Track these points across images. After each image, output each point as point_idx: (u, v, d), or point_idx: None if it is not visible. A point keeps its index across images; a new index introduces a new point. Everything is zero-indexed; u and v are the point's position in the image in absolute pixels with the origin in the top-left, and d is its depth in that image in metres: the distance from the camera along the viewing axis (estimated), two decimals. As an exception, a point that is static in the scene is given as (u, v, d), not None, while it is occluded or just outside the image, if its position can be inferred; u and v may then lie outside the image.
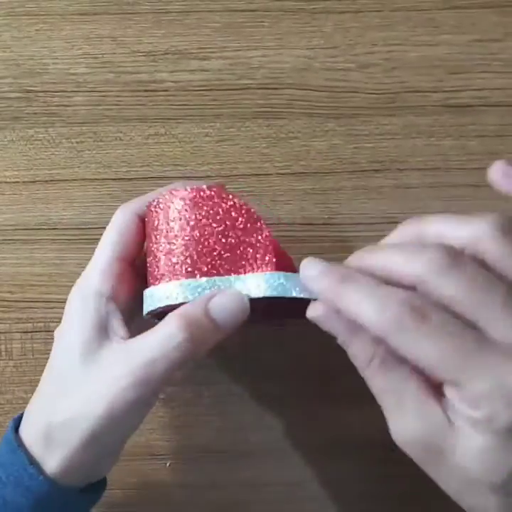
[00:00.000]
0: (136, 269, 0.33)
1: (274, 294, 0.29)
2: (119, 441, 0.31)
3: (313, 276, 0.26)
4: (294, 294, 0.28)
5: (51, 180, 0.42)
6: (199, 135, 0.42)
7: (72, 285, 0.38)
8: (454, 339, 0.23)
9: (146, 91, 0.42)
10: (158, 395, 0.31)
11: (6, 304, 0.41)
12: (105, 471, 0.33)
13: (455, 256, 0.24)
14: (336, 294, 0.25)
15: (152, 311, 0.30)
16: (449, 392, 0.23)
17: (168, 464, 0.41)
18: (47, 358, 0.41)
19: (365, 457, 0.41)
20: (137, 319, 0.33)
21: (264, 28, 0.42)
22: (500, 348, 0.22)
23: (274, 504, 0.41)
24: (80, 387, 0.29)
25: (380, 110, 0.42)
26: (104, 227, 0.39)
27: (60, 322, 0.42)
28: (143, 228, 0.32)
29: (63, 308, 0.41)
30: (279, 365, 0.41)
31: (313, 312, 0.27)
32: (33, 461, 0.29)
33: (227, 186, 0.42)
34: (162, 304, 0.30)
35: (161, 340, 0.28)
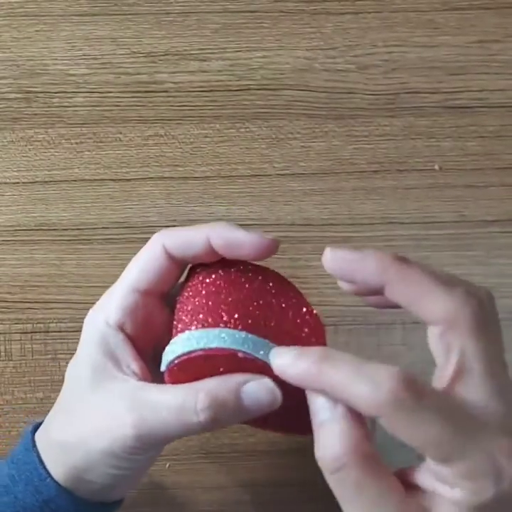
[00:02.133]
0: (162, 303, 0.31)
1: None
2: (121, 475, 0.29)
3: (287, 363, 0.24)
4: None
5: (51, 181, 0.42)
6: (198, 136, 0.42)
7: (72, 286, 0.38)
8: (452, 416, 0.22)
9: (145, 92, 0.42)
10: (161, 450, 0.30)
11: (5, 304, 0.41)
12: (116, 497, 0.31)
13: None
14: (317, 376, 0.23)
15: (170, 362, 0.27)
16: (435, 469, 0.23)
17: (167, 465, 0.41)
18: (46, 359, 0.41)
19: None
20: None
21: (264, 29, 0.42)
22: (490, 423, 0.22)
23: (274, 505, 0.41)
24: (88, 415, 0.28)
25: (380, 111, 0.42)
26: (104, 228, 0.39)
27: (59, 323, 0.42)
28: (170, 263, 0.30)
29: (63, 308, 0.42)
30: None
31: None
32: (43, 463, 0.29)
33: (227, 187, 0.42)
34: (180, 351, 0.26)
35: (180, 409, 0.26)
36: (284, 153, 0.42)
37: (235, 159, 0.42)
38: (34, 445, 0.30)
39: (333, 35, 0.42)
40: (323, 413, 0.24)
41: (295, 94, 0.42)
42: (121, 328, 0.29)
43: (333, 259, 0.25)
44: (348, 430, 0.23)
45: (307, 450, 0.41)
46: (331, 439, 0.24)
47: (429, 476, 0.23)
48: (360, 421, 0.24)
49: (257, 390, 0.26)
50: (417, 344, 0.41)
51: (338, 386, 0.23)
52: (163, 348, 0.27)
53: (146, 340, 0.30)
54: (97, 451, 0.27)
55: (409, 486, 0.24)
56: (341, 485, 0.24)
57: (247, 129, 0.42)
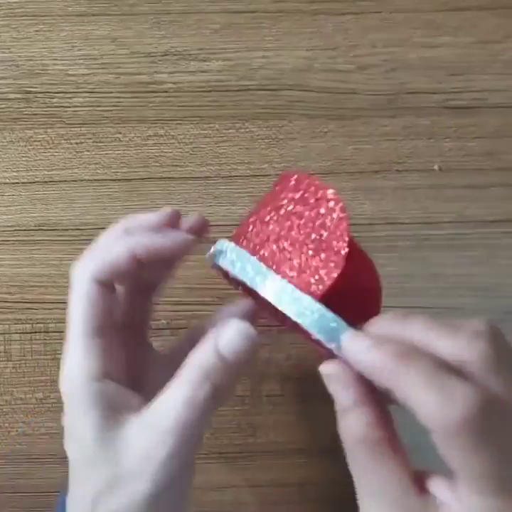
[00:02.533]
0: (119, 331, 0.29)
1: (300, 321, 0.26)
2: None
3: (361, 350, 0.24)
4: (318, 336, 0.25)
5: (50, 181, 0.42)
6: (198, 136, 0.42)
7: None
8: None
9: (145, 92, 0.42)
10: (196, 453, 0.28)
11: (5, 304, 0.41)
12: None
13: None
14: (391, 373, 0.22)
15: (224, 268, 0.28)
16: (462, 492, 0.22)
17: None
18: (46, 359, 0.41)
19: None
20: (147, 378, 0.30)
21: (264, 29, 0.42)
22: None
23: (274, 505, 0.41)
24: (107, 470, 0.26)
25: (380, 111, 0.42)
26: (104, 228, 0.39)
27: (58, 323, 0.42)
28: (106, 292, 0.28)
29: (62, 309, 0.41)
30: (279, 365, 0.41)
31: (328, 369, 0.25)
32: None
33: (226, 187, 0.42)
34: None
35: (186, 398, 0.26)
36: (284, 154, 0.42)
37: (235, 159, 0.42)
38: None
39: (334, 36, 0.42)
40: (338, 399, 0.25)
41: (295, 94, 0.42)
42: (103, 375, 0.27)
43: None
44: (360, 418, 0.24)
45: (307, 450, 0.41)
46: (343, 423, 0.24)
47: (446, 490, 0.23)
48: (376, 405, 0.24)
49: (231, 341, 0.26)
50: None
51: (408, 390, 0.22)
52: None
53: (122, 370, 0.28)
54: (144, 494, 0.26)
55: (421, 486, 0.23)
56: (351, 462, 0.24)
57: (247, 129, 0.42)
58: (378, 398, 0.24)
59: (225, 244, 0.29)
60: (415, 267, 0.42)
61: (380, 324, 0.25)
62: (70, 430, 0.28)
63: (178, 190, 0.42)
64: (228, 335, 0.26)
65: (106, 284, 0.28)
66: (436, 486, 0.23)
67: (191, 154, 0.42)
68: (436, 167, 0.42)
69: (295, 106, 0.42)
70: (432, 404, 0.21)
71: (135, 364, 0.30)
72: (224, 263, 0.28)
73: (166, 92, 0.42)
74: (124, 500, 0.26)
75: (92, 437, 0.26)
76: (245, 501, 0.41)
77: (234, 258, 0.28)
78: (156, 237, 0.28)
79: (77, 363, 0.27)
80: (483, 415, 0.21)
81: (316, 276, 0.26)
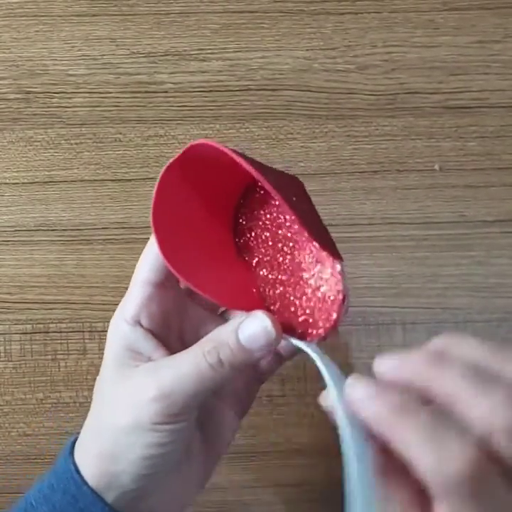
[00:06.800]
0: (177, 292, 0.32)
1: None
2: (151, 470, 0.29)
3: (361, 398, 0.23)
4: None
5: (50, 182, 0.42)
6: (198, 136, 0.42)
7: (72, 286, 0.39)
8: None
9: (145, 92, 0.42)
10: (189, 421, 0.29)
11: (5, 305, 0.41)
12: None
13: None
14: (389, 426, 0.22)
15: None
16: None
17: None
18: (46, 360, 0.41)
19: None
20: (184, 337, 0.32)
21: (264, 29, 0.42)
22: None
23: (274, 505, 0.41)
24: (110, 402, 0.30)
25: (380, 111, 0.42)
26: (104, 228, 0.39)
27: (58, 323, 0.42)
28: None
29: (62, 309, 0.42)
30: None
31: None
32: (79, 471, 0.29)
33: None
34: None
35: (191, 359, 0.28)
36: (284, 154, 0.42)
37: (235, 159, 0.42)
38: (71, 453, 0.30)
39: (333, 36, 0.42)
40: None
41: (295, 94, 0.42)
42: (138, 322, 0.30)
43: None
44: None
45: (307, 450, 0.41)
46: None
47: None
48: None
49: (251, 326, 0.28)
50: (417, 344, 0.41)
51: (405, 444, 0.22)
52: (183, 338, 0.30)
53: (165, 330, 0.31)
54: (124, 427, 0.28)
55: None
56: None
57: (247, 130, 0.42)
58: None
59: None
60: (415, 267, 0.42)
61: (412, 367, 0.25)
62: (102, 362, 0.31)
63: (178, 191, 0.42)
64: (251, 322, 0.28)
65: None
66: None
67: (191, 154, 0.42)
68: (436, 167, 0.42)
69: (295, 106, 0.42)
70: (429, 463, 0.21)
71: (171, 320, 0.31)
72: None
73: (166, 92, 0.42)
74: (105, 428, 0.29)
75: (104, 371, 0.30)
76: (245, 501, 0.41)
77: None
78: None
79: (121, 304, 0.31)
80: (479, 477, 0.20)
81: None
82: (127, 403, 0.28)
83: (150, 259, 0.30)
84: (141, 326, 0.30)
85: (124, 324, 0.30)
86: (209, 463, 0.34)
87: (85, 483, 0.29)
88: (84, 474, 0.29)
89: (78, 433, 0.32)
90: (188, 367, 0.28)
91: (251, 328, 0.28)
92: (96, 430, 0.30)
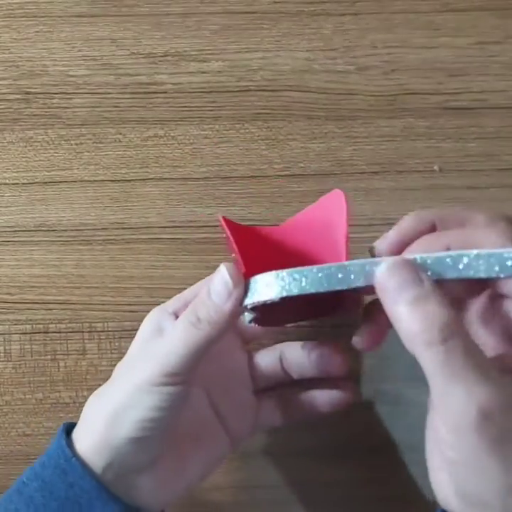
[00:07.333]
0: None
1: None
2: (143, 435, 0.30)
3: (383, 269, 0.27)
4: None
5: (50, 182, 0.42)
6: (198, 137, 0.42)
7: (71, 286, 0.39)
8: None
9: (145, 93, 0.42)
10: (185, 385, 0.30)
11: (4, 305, 0.41)
12: (144, 496, 0.32)
13: None
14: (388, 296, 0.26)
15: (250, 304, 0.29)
16: None
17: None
18: (46, 360, 0.41)
19: (365, 460, 0.41)
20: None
21: (264, 30, 0.42)
22: None
23: (273, 505, 0.41)
24: (127, 369, 0.32)
25: (379, 112, 0.42)
26: (104, 229, 0.39)
27: (58, 323, 0.42)
28: None
29: (62, 309, 0.42)
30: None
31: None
32: (70, 445, 0.31)
33: (226, 188, 0.42)
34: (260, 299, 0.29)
35: (179, 323, 0.30)
36: (284, 154, 0.42)
37: (235, 160, 0.42)
38: (63, 430, 0.32)
39: (333, 36, 0.42)
40: (413, 288, 0.25)
41: (295, 95, 0.42)
42: (176, 315, 0.32)
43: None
44: (445, 300, 0.25)
45: (307, 450, 0.41)
46: (433, 309, 0.24)
47: None
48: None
49: (215, 280, 0.29)
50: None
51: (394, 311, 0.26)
52: None
53: None
54: (125, 389, 0.30)
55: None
56: (452, 354, 0.24)
57: (247, 130, 0.42)
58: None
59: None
60: (415, 267, 0.42)
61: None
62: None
63: (177, 191, 0.42)
64: (215, 277, 0.29)
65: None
66: None
67: (191, 155, 0.42)
68: (436, 168, 0.42)
69: (295, 107, 0.42)
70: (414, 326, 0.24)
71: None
72: None
73: (166, 92, 0.42)
74: (104, 397, 0.32)
75: (129, 349, 0.33)
76: (243, 502, 0.41)
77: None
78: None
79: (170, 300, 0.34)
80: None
81: None
82: (128, 375, 0.31)
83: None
84: (175, 316, 0.32)
85: (161, 312, 0.33)
86: (226, 444, 0.36)
87: (75, 455, 0.30)
88: (80, 446, 0.31)
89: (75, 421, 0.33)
90: (176, 330, 0.30)
91: (215, 282, 0.29)
92: (98, 399, 0.32)
